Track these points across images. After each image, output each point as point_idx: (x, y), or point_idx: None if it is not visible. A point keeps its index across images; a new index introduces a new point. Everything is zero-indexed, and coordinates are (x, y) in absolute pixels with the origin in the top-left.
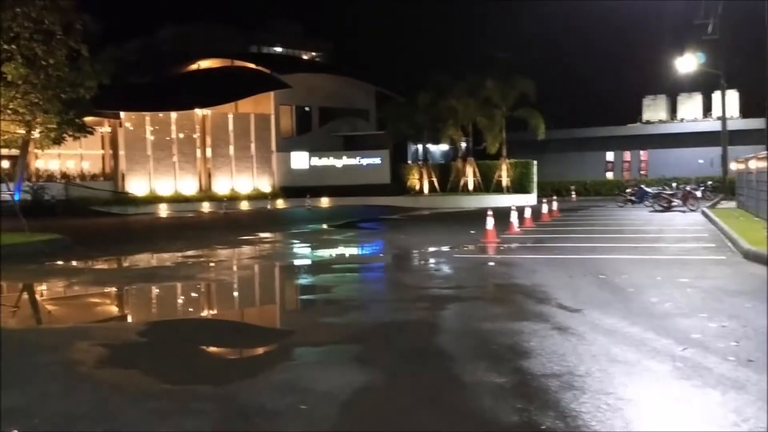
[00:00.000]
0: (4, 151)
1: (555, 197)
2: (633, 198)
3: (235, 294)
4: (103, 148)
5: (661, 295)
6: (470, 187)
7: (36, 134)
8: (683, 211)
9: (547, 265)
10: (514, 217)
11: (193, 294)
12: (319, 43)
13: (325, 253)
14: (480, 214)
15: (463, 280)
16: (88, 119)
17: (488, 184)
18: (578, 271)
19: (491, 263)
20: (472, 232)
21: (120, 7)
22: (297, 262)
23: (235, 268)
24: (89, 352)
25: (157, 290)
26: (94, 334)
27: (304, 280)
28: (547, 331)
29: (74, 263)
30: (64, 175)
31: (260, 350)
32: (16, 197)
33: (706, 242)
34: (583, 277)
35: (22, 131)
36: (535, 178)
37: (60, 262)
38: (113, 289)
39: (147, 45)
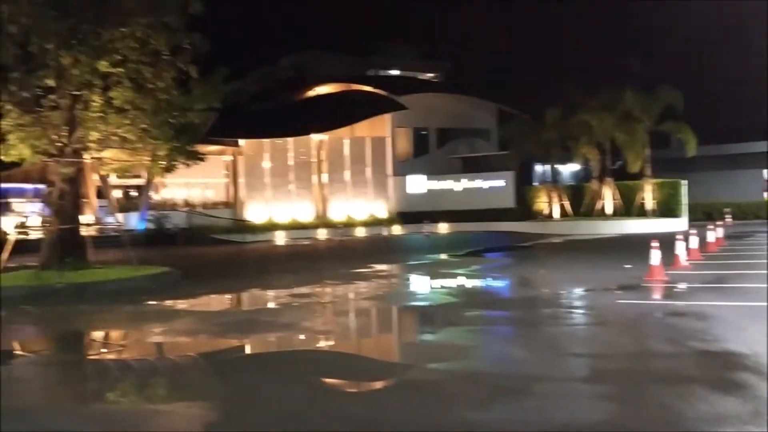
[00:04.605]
0: (133, 181)
1: (717, 222)
2: None
3: (340, 359)
4: (226, 176)
5: None
6: (609, 210)
7: (146, 161)
8: None
9: (753, 318)
10: (680, 247)
11: (285, 357)
12: (437, 63)
13: (450, 293)
14: (627, 243)
15: (644, 342)
16: (211, 148)
17: (629, 207)
18: None
19: (673, 313)
20: (627, 266)
21: (241, 39)
22: (418, 306)
23: (344, 315)
24: None
25: (248, 348)
26: (152, 423)
27: (429, 335)
28: None
29: (173, 304)
30: (187, 204)
31: None
32: (141, 226)
33: None
34: None
35: (132, 159)
36: (684, 200)
37: (159, 302)
38: (198, 348)
39: (267, 74)
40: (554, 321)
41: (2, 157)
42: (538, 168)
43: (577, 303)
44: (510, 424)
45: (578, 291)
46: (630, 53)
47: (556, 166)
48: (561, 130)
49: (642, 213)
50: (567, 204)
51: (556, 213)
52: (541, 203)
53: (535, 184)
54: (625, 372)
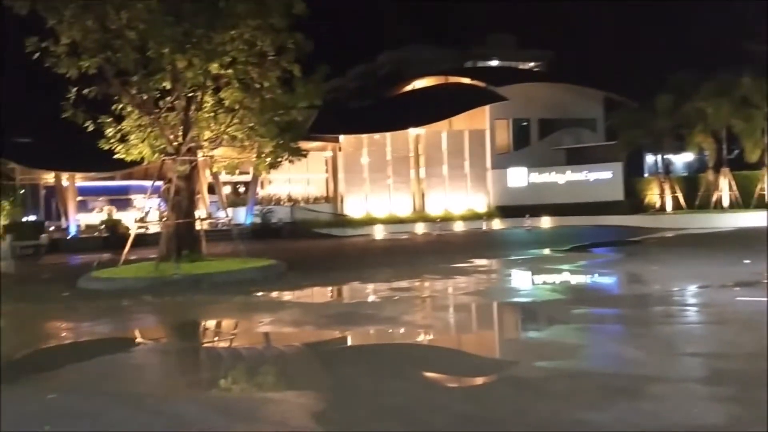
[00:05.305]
0: (241, 178)
1: None
2: None
3: (442, 354)
4: (327, 171)
5: None
6: (726, 202)
7: (253, 158)
8: None
9: None
10: None
11: (388, 350)
12: (538, 52)
13: (555, 289)
14: (746, 236)
15: (763, 338)
16: (312, 144)
17: (747, 199)
18: None
19: None
20: (746, 261)
21: (340, 37)
22: (521, 302)
23: (444, 309)
24: None
25: (350, 339)
26: (262, 410)
27: (534, 332)
28: None
29: (280, 295)
30: (290, 199)
31: None
32: (249, 220)
33: None
34: None
35: (240, 157)
36: None
37: (266, 293)
38: (304, 339)
39: (365, 71)
40: (668, 319)
41: (124, 156)
42: (649, 158)
43: (693, 300)
44: (623, 425)
45: (693, 288)
46: (745, 35)
47: (667, 156)
48: (673, 117)
49: (762, 205)
50: (680, 196)
51: (669, 206)
52: (653, 195)
53: (645, 175)
54: (747, 373)
